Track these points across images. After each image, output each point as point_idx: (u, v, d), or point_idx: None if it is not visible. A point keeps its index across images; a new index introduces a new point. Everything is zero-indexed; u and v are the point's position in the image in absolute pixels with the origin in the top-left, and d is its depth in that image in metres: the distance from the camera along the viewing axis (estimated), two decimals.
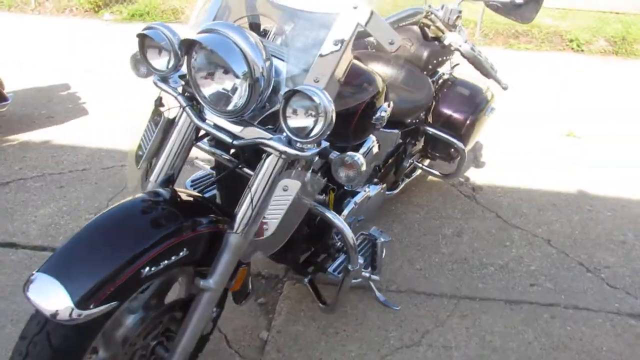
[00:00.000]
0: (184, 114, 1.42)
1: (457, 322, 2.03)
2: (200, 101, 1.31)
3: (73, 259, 1.13)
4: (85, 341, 1.18)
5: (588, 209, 2.89)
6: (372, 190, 1.93)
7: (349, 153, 1.24)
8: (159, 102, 1.48)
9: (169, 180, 1.46)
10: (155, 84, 1.42)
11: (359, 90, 1.58)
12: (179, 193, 1.39)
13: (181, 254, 1.25)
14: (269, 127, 1.30)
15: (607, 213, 2.86)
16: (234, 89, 1.26)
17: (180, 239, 1.24)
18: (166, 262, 1.21)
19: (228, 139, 1.31)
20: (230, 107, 1.26)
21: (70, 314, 1.07)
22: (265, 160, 1.32)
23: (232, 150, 1.64)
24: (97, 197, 2.64)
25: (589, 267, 2.40)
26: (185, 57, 1.28)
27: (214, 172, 1.92)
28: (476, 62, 2.15)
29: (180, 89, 1.40)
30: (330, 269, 1.81)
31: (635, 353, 1.95)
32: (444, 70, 2.58)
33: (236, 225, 1.33)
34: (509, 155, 3.41)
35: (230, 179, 1.58)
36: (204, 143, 1.63)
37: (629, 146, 3.65)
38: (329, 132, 1.20)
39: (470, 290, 2.20)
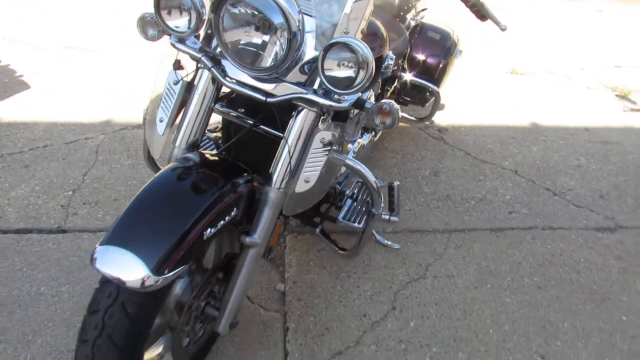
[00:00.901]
0: (205, 77, 1.41)
1: (453, 253, 2.21)
2: (231, 61, 1.31)
3: (137, 229, 1.14)
4: (157, 307, 1.20)
5: (543, 140, 3.15)
6: (365, 139, 2.01)
7: (385, 101, 1.30)
8: (177, 66, 1.46)
9: (193, 145, 1.46)
10: (174, 45, 1.39)
11: (372, 40, 1.63)
12: (210, 156, 1.40)
13: (232, 213, 1.28)
14: (298, 82, 1.33)
15: (560, 142, 3.14)
16: (265, 46, 1.27)
17: (230, 199, 1.27)
18: (222, 222, 1.24)
19: (261, 97, 1.33)
20: (268, 64, 1.27)
21: (148, 281, 1.08)
22: (297, 116, 1.35)
23: (242, 111, 1.65)
24: (70, 173, 2.53)
25: (555, 192, 2.66)
26: (213, 16, 1.27)
27: (215, 135, 1.91)
28: (476, 3, 2.18)
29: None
30: (339, 217, 1.89)
31: (607, 261, 2.23)
32: (410, 16, 2.66)
33: (275, 181, 1.37)
34: (463, 95, 3.60)
35: (245, 140, 1.60)
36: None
37: (563, 81, 3.95)
38: (369, 82, 1.25)
39: (458, 224, 2.38)
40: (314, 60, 1.31)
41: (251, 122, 1.59)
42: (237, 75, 1.36)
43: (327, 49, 1.22)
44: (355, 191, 2.00)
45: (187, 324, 1.45)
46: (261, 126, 1.54)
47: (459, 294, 2.01)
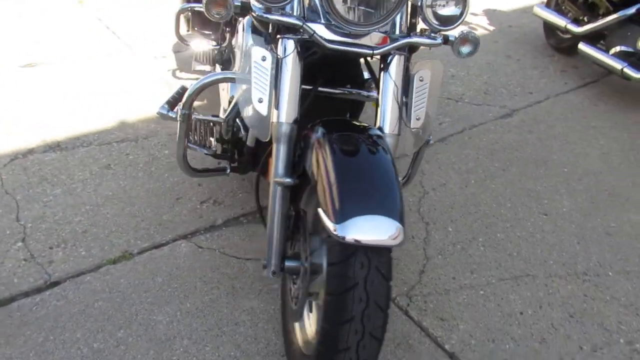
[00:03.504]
0: (291, 48, 1.39)
1: (428, 168, 2.54)
2: (340, 21, 1.33)
3: (363, 197, 1.17)
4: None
5: None
6: None
7: (466, 31, 1.49)
8: (270, 39, 1.39)
9: (295, 120, 1.43)
10: (265, 17, 1.33)
11: None
12: (339, 123, 1.43)
13: None
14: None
15: None
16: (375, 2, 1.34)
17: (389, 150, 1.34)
18: None
19: (368, 51, 1.39)
20: (380, 16, 1.33)
21: (401, 236, 1.15)
22: (390, 63, 1.44)
23: None
24: None
25: (456, 99, 3.18)
26: None
27: None
28: None
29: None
30: None
31: (525, 137, 2.84)
32: None
33: (389, 127, 1.46)
34: None
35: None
36: None
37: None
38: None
39: None
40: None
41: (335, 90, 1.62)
42: (330, 37, 1.39)
43: None
44: None
45: None
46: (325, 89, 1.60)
47: (461, 195, 2.37)
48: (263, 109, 1.40)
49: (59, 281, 1.85)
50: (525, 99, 3.19)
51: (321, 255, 1.36)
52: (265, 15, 1.33)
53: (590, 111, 3.11)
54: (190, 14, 2.47)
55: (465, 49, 1.49)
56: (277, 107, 1.40)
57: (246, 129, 1.89)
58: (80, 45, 3.46)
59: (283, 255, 1.44)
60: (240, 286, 1.87)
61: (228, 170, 1.96)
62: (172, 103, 1.83)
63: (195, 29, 2.60)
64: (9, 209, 2.15)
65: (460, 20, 1.40)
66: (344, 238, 1.10)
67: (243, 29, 1.89)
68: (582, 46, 3.21)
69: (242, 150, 1.94)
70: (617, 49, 2.97)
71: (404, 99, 1.48)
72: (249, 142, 1.83)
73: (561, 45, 3.66)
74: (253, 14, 1.35)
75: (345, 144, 1.28)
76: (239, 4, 1.33)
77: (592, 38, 3.25)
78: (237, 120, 1.92)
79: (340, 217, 1.12)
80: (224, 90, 2.09)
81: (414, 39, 1.41)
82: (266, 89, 1.39)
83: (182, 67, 3.34)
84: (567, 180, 2.51)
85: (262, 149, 1.86)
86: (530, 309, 1.84)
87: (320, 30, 1.37)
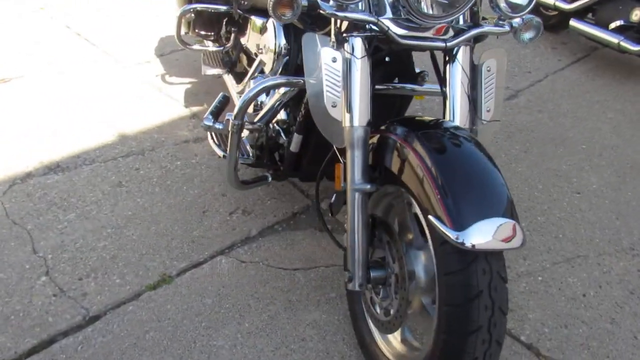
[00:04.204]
0: (359, 47, 1.31)
1: None
2: (414, 14, 1.26)
3: (475, 199, 1.12)
4: None
5: None
6: None
7: (529, 16, 1.44)
8: (341, 37, 1.30)
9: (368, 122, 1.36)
10: (337, 15, 1.25)
11: None
12: (418, 119, 1.37)
13: None
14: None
15: None
16: None
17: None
18: None
19: (441, 44, 1.33)
20: (458, 6, 1.27)
21: (521, 236, 1.10)
22: (457, 53, 1.39)
23: None
24: (14, 259, 1.90)
25: None
26: None
27: None
28: None
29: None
30: None
31: (540, 118, 2.85)
32: None
33: (460, 121, 1.40)
34: None
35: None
36: None
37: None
38: None
39: None
40: None
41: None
42: (401, 32, 1.32)
43: None
44: None
45: None
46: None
47: None
48: (338, 114, 1.32)
49: (99, 315, 1.71)
50: (526, 79, 3.21)
51: (418, 262, 1.30)
52: (337, 13, 1.25)
53: (590, 86, 3.16)
54: (192, 15, 2.33)
55: (529, 35, 1.45)
56: (349, 110, 1.32)
57: (287, 134, 1.79)
58: (55, 56, 3.24)
59: (367, 265, 1.37)
60: (297, 299, 1.78)
61: (269, 179, 1.86)
62: (216, 113, 1.71)
63: (196, 30, 2.46)
64: (22, 240, 1.97)
65: (532, 5, 1.35)
66: (469, 246, 1.04)
67: (273, 28, 1.79)
68: (574, 23, 3.26)
69: (282, 156, 1.85)
70: (617, 23, 3.03)
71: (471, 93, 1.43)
72: (293, 148, 1.75)
73: (547, 22, 3.71)
74: (322, 11, 1.26)
75: (438, 143, 1.22)
76: (306, 3, 1.24)
77: (581, 13, 3.30)
78: (276, 124, 1.82)
79: (460, 223, 1.06)
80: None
81: (486, 28, 1.36)
82: (339, 92, 1.31)
83: (171, 71, 3.20)
84: (588, 157, 2.54)
85: (305, 154, 1.78)
86: (592, 290, 1.85)
87: (391, 25, 1.30)
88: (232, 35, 2.47)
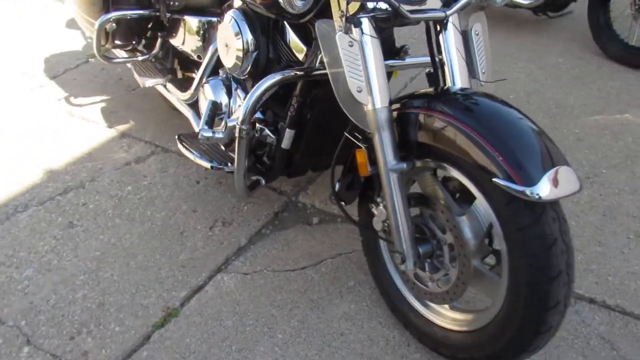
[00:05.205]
0: (367, 28, 1.30)
1: None
2: None
3: (534, 154, 1.16)
4: None
5: None
6: None
7: None
8: (355, 22, 1.27)
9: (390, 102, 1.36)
10: None
11: None
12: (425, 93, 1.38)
13: None
14: None
15: None
16: None
17: None
18: None
19: (441, 13, 1.36)
20: None
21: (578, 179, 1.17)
22: (447, 23, 1.43)
23: None
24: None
25: None
26: None
27: None
28: None
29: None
30: None
31: None
32: None
33: (460, 82, 1.46)
34: None
35: None
36: None
37: None
38: None
39: None
40: None
41: None
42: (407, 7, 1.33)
43: None
44: None
45: None
46: None
47: None
48: (364, 98, 1.30)
49: None
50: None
51: (464, 227, 1.32)
52: None
53: (493, 41, 3.41)
54: (113, 24, 2.12)
55: None
56: (370, 92, 1.30)
57: (275, 133, 1.72)
58: None
59: (415, 242, 1.37)
60: (318, 297, 1.74)
61: (263, 182, 1.78)
62: (210, 122, 1.58)
63: (115, 41, 2.25)
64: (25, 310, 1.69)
65: None
66: (546, 198, 1.09)
67: (234, 24, 1.70)
68: None
69: (270, 156, 1.78)
70: None
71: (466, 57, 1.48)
72: (285, 145, 1.69)
73: None
74: None
75: (471, 106, 1.25)
76: (301, 3, 1.21)
77: None
78: (261, 124, 1.74)
79: (531, 179, 1.10)
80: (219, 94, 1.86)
81: None
82: (361, 75, 1.29)
83: (73, 92, 2.90)
84: (519, 104, 2.74)
85: (297, 149, 1.73)
86: (572, 221, 2.02)
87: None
88: (159, 40, 2.29)
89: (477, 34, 1.49)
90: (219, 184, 2.22)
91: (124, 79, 3.02)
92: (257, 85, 1.49)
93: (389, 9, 1.30)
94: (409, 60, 1.69)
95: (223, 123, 1.63)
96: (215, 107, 1.62)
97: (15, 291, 1.76)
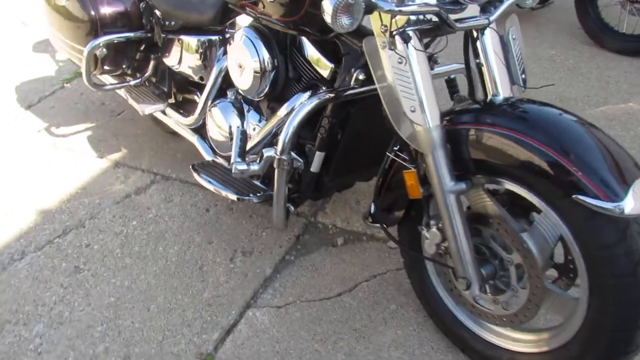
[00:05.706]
0: (417, 42, 1.22)
1: None
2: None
3: (613, 167, 1.11)
4: None
5: None
6: None
7: None
8: (405, 37, 1.18)
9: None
10: (400, 11, 1.13)
11: None
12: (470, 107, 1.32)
13: None
14: None
15: None
16: None
17: None
18: None
19: (484, 20, 1.30)
20: None
21: None
22: (484, 33, 1.36)
23: None
24: None
25: None
26: None
27: None
28: None
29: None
30: None
31: None
32: None
33: (504, 94, 1.39)
34: None
35: None
36: None
37: None
38: None
39: None
40: None
41: None
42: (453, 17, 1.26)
43: None
44: None
45: None
46: None
47: None
48: (419, 118, 1.21)
49: None
50: None
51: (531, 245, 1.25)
52: (399, 9, 1.13)
53: None
54: (104, 49, 1.98)
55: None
56: (422, 111, 1.22)
57: (302, 156, 1.62)
58: None
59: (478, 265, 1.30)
60: (361, 325, 1.64)
61: (292, 209, 1.67)
62: (242, 153, 1.47)
63: (105, 67, 2.10)
64: None
65: None
66: (633, 213, 1.03)
67: (248, 42, 1.60)
68: None
69: (299, 181, 1.67)
70: None
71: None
72: (314, 168, 1.59)
73: None
74: (379, 11, 1.13)
75: (534, 118, 1.19)
76: (349, 22, 1.12)
77: None
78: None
79: (616, 194, 1.05)
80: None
81: None
82: (414, 94, 1.20)
83: (54, 122, 2.72)
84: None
85: (327, 171, 1.64)
86: None
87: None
88: (152, 62, 2.15)
89: (514, 38, 1.42)
90: (230, 211, 2.10)
91: (106, 103, 2.85)
92: (294, 112, 1.39)
93: (435, 19, 1.22)
94: (437, 69, 1.62)
95: (256, 152, 1.51)
96: (245, 137, 1.51)
97: (27, 352, 1.60)
